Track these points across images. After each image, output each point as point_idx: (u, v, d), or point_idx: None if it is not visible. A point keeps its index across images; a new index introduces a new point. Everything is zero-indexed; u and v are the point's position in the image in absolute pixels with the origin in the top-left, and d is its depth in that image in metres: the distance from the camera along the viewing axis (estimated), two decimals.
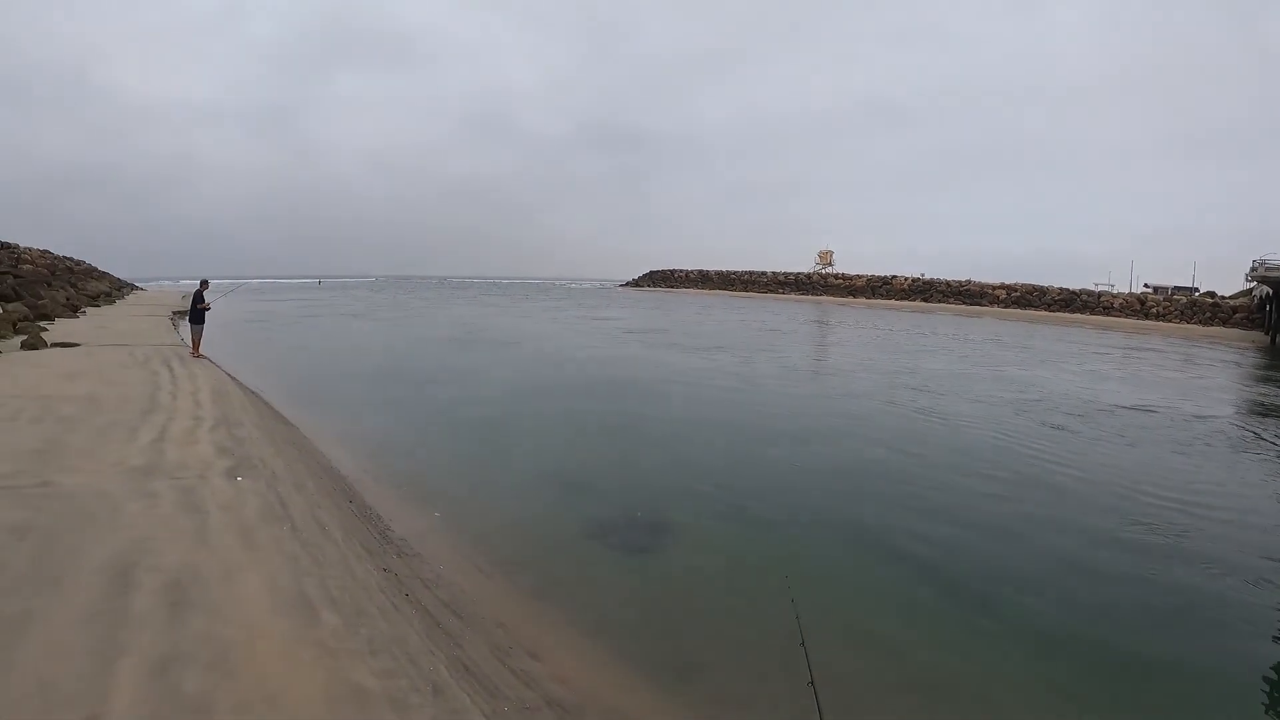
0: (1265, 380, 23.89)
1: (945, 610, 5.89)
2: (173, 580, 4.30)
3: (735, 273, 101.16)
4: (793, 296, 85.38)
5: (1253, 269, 45.73)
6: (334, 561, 5.08)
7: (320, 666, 3.56)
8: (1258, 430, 13.98)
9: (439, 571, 6.11)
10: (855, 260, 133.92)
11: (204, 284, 16.91)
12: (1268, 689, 4.86)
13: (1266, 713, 4.62)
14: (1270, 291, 43.65)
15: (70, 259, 45.99)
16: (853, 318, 51.44)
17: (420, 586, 5.52)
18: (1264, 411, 16.79)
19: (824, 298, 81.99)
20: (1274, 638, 5.57)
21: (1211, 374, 24.80)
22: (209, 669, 3.39)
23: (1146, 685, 4.93)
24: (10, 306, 20.00)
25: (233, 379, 13.78)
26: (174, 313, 31.31)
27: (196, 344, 16.13)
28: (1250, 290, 53.99)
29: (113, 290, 43.95)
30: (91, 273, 47.61)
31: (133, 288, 58.08)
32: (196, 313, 16.21)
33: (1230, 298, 59.24)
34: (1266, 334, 44.56)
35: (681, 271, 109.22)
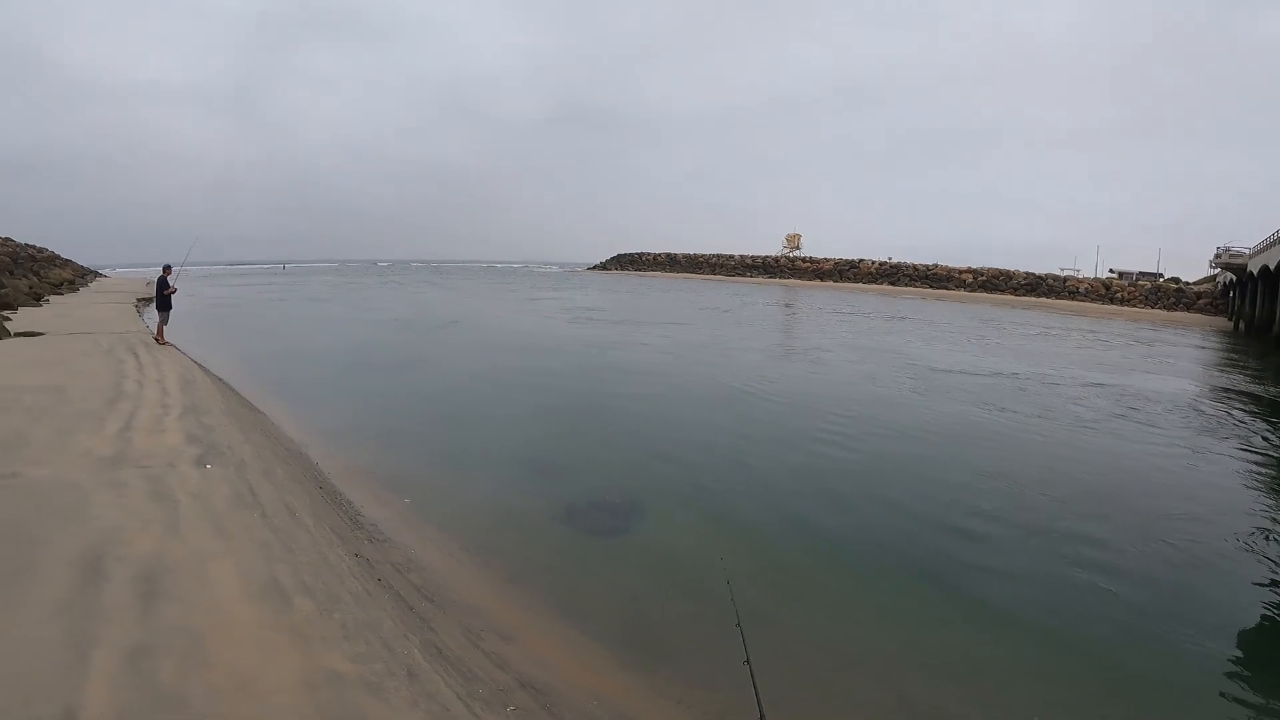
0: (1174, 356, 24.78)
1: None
2: (144, 570, 4.30)
3: (702, 256, 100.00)
4: (760, 280, 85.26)
5: (1217, 255, 47.01)
6: (305, 548, 5.11)
7: (294, 652, 3.60)
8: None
9: (410, 556, 6.16)
10: (823, 245, 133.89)
11: (167, 269, 16.52)
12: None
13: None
14: (1234, 278, 44.89)
15: (33, 246, 44.28)
16: (808, 300, 51.61)
17: (392, 571, 5.57)
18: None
19: (791, 281, 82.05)
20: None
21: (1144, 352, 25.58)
22: (183, 658, 3.41)
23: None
24: None
25: (199, 366, 13.58)
26: (138, 299, 30.61)
27: (161, 331, 15.84)
28: (1214, 276, 55.43)
29: (76, 278, 42.62)
30: (54, 260, 46.02)
31: (96, 275, 56.43)
32: (163, 299, 15.90)
33: (1195, 284, 60.76)
34: (1229, 319, 45.89)
35: (648, 255, 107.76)
